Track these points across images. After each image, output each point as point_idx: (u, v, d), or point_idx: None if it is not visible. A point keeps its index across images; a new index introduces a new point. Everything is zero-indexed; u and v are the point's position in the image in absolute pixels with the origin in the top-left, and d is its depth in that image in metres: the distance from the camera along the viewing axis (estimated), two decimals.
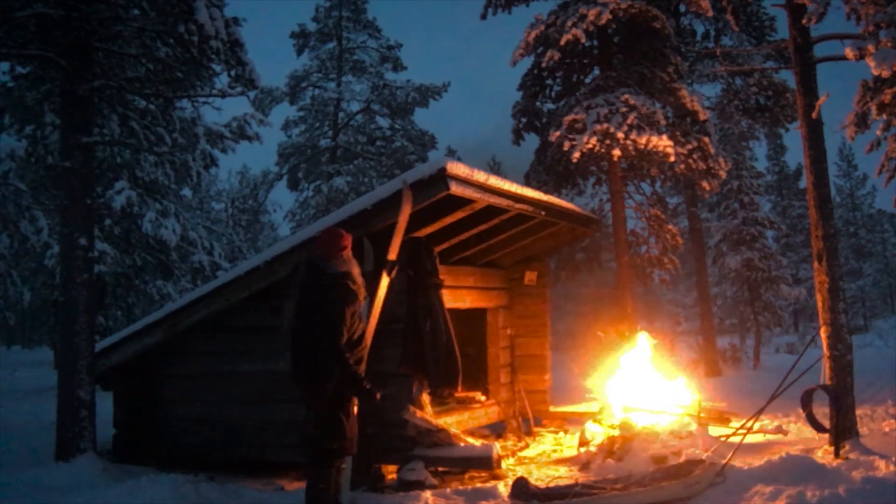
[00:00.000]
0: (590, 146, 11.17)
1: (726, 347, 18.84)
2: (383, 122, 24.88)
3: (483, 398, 8.65)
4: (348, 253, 5.16)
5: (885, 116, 6.56)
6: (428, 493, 5.88)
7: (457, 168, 6.18)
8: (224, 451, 7.18)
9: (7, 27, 7.16)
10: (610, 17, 11.34)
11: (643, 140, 11.11)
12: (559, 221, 8.59)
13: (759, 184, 21.91)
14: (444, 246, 8.05)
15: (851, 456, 6.26)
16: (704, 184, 12.70)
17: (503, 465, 6.81)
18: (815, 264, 6.91)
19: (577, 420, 8.79)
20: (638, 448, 6.58)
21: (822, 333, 6.82)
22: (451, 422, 7.31)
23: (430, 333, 6.88)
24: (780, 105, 14.25)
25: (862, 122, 6.70)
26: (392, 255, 6.21)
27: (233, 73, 7.43)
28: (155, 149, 12.86)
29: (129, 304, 15.87)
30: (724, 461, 5.84)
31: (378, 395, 5.04)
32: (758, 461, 6.03)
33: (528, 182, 12.90)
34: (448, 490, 6.08)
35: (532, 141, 14.07)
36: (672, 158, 11.53)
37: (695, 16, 13.78)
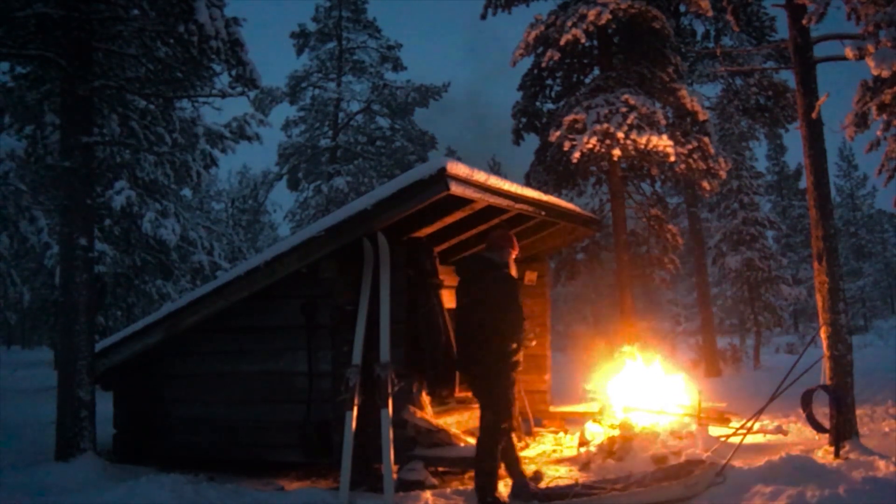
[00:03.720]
0: (590, 146, 11.16)
1: (726, 347, 18.85)
2: (383, 122, 24.91)
3: None
4: (513, 255, 5.77)
5: (885, 116, 6.55)
6: (428, 493, 5.87)
7: (457, 168, 6.17)
8: (224, 451, 7.17)
9: (7, 27, 7.15)
10: (610, 17, 11.34)
11: (643, 140, 11.10)
12: (559, 221, 8.58)
13: (759, 184, 21.96)
14: (444, 246, 8.05)
15: (851, 456, 6.25)
16: (704, 184, 12.69)
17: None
18: (815, 264, 6.90)
19: (577, 420, 8.78)
20: (638, 448, 6.58)
21: (822, 333, 6.81)
22: (451, 422, 7.30)
23: (429, 334, 6.88)
24: (780, 105, 14.24)
25: (862, 122, 6.68)
26: None
27: (233, 73, 7.41)
28: (155, 149, 12.86)
29: (129, 304, 15.88)
30: (724, 461, 5.83)
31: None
32: (758, 461, 6.01)
33: (528, 182, 12.90)
34: (448, 490, 6.08)
35: (532, 141, 14.08)
36: (672, 158, 11.52)
37: (695, 16, 13.76)
